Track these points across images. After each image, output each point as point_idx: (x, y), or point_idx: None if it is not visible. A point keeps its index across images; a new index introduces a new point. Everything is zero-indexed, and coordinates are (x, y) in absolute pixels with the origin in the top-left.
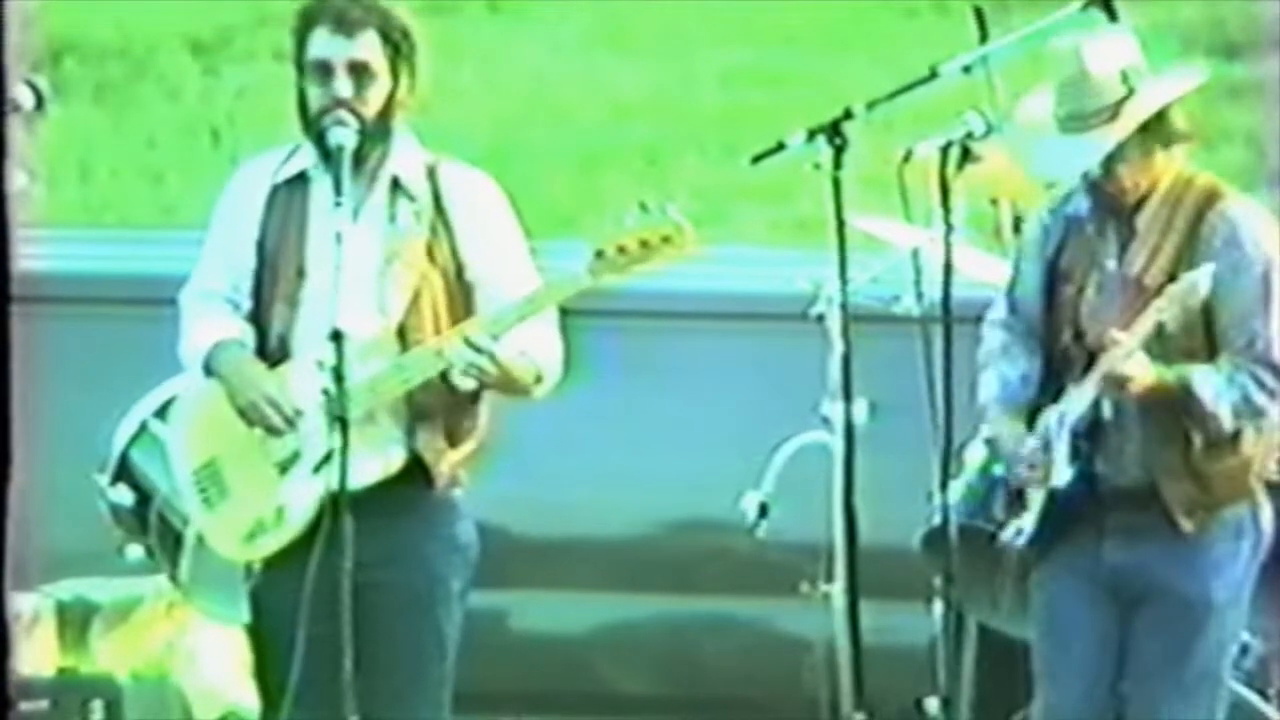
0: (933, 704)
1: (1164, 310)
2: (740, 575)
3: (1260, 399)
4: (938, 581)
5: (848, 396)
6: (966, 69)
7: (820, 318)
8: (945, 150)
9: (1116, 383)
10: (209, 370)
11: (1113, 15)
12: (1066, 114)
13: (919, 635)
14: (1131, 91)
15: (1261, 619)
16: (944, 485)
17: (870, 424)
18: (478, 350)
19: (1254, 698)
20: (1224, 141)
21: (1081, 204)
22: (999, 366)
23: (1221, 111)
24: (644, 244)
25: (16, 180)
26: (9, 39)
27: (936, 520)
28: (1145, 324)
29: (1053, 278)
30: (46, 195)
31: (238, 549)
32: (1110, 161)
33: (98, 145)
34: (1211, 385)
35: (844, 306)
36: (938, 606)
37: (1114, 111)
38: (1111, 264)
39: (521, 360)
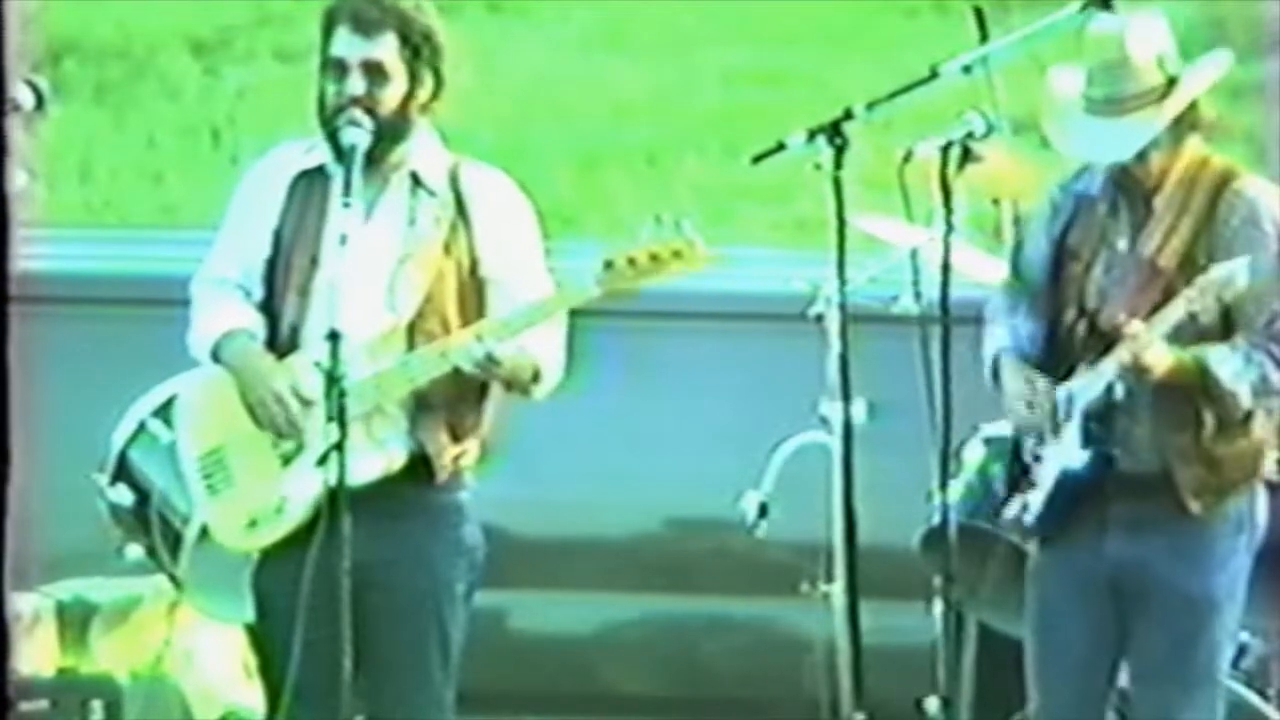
0: (932, 704)
1: (1194, 301)
2: (740, 575)
3: (1277, 378)
4: (938, 581)
5: (846, 396)
6: (966, 69)
7: (819, 318)
8: (946, 150)
9: (1137, 371)
10: (217, 359)
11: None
12: (1103, 97)
13: (919, 635)
14: (1169, 77)
15: (1261, 619)
16: (943, 485)
17: (869, 424)
18: (481, 351)
19: (1254, 698)
20: (1224, 141)
21: (1094, 183)
22: (1010, 319)
23: (1221, 111)
24: (654, 258)
25: (16, 180)
26: (9, 39)
27: (936, 520)
28: (1173, 314)
29: (1060, 254)
30: (46, 195)
31: (238, 537)
32: (1146, 147)
33: (98, 145)
34: (1230, 365)
35: (843, 306)
36: (938, 606)
37: (1158, 95)
38: (1123, 244)
39: (520, 357)
